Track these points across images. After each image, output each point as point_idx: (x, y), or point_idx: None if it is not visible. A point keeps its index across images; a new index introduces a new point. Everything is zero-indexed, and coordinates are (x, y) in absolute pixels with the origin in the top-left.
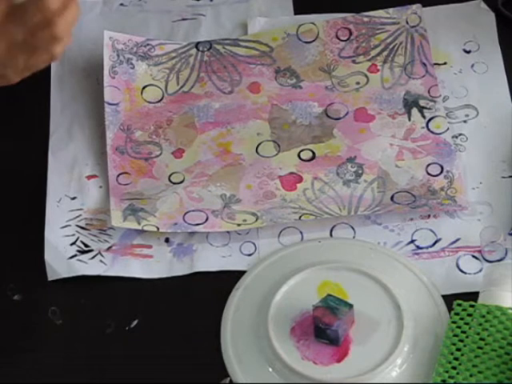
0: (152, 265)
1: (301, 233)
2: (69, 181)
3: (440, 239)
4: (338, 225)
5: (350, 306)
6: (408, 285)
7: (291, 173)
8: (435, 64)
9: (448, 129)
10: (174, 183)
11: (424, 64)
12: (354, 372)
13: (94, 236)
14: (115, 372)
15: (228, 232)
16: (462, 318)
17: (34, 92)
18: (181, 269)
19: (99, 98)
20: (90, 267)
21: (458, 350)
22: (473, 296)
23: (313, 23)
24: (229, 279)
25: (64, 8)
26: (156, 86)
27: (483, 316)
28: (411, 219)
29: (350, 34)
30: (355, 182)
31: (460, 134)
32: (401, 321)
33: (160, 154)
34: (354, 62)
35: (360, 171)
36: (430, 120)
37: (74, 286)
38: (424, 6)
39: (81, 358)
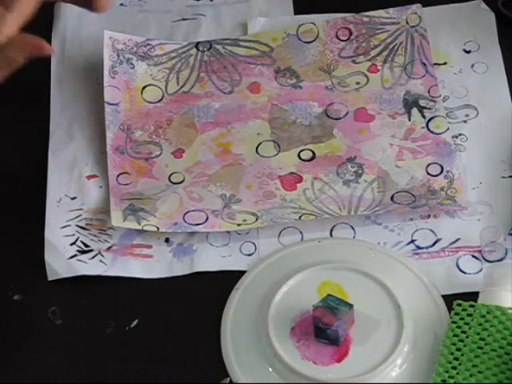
0: (152, 265)
1: (301, 233)
2: (69, 181)
3: (440, 239)
4: (338, 225)
5: (350, 306)
6: (408, 285)
7: (291, 173)
8: (435, 64)
9: (448, 129)
10: (174, 183)
11: (424, 64)
12: (354, 372)
13: (94, 236)
14: (115, 372)
15: (228, 232)
16: (462, 318)
17: (34, 92)
18: (181, 269)
19: (99, 97)
20: (90, 267)
21: (458, 349)
22: (473, 296)
23: (313, 23)
24: (229, 279)
25: None
26: (156, 85)
27: (483, 316)
28: (411, 219)
29: (350, 34)
30: (355, 181)
31: (460, 134)
32: (401, 321)
33: (160, 154)
34: (354, 62)
35: (360, 171)
36: (430, 120)
37: (73, 286)
38: (424, 6)
39: (81, 358)
